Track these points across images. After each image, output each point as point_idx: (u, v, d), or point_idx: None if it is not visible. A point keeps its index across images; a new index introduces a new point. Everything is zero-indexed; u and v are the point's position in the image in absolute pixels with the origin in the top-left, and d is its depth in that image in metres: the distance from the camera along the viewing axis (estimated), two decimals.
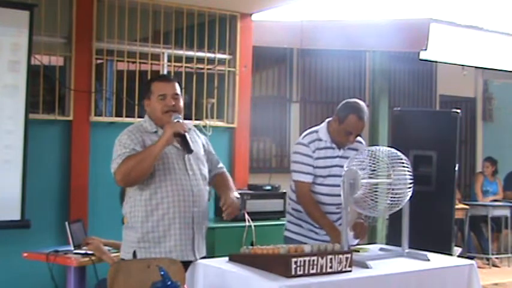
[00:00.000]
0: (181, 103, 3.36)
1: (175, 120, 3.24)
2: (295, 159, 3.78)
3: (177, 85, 3.36)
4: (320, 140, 3.75)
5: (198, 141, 3.46)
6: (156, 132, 3.29)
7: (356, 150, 3.80)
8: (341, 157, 3.74)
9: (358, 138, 3.87)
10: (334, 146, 3.76)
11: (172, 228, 3.21)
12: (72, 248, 4.21)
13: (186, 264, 3.15)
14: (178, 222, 3.22)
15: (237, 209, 3.35)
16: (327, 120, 3.84)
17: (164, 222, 3.21)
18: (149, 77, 5.63)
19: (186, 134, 3.23)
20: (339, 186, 3.65)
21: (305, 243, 3.44)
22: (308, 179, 3.72)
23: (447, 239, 5.73)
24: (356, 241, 3.74)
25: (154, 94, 3.30)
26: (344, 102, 3.78)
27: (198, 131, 3.56)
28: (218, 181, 3.53)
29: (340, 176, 3.66)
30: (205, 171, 3.40)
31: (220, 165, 3.60)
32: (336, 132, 3.74)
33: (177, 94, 3.32)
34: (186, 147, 3.24)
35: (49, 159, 5.18)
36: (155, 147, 3.15)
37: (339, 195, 3.61)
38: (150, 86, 3.35)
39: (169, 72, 5.75)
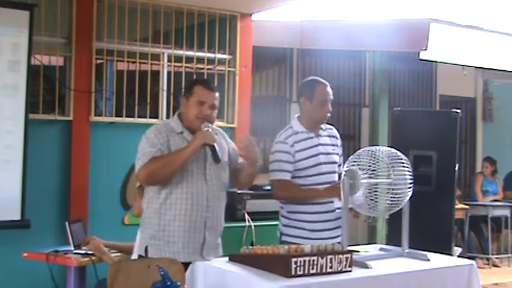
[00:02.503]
0: (216, 113, 3.43)
1: (205, 129, 3.27)
2: (272, 158, 3.79)
3: (217, 95, 3.41)
4: (296, 133, 3.78)
5: (225, 146, 3.48)
6: (181, 133, 3.33)
7: (332, 136, 3.89)
8: (322, 144, 3.80)
9: (328, 125, 3.94)
10: (311, 135, 3.79)
11: (181, 230, 3.26)
12: (72, 248, 4.21)
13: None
14: (188, 225, 3.27)
15: (255, 155, 3.38)
16: (296, 116, 3.89)
17: (175, 223, 3.26)
18: (149, 77, 5.65)
19: (216, 144, 3.28)
20: (329, 173, 3.71)
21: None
22: (285, 176, 3.72)
23: (447, 239, 5.73)
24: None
25: (194, 97, 3.34)
26: (301, 84, 3.95)
27: (227, 136, 3.60)
28: (239, 169, 3.56)
29: (327, 163, 3.74)
30: (226, 177, 3.44)
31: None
32: (311, 114, 3.78)
33: (214, 105, 3.38)
34: (215, 157, 3.29)
35: (49, 159, 5.18)
36: (182, 153, 3.21)
37: (333, 182, 3.64)
38: (193, 87, 3.39)
39: (169, 72, 5.76)
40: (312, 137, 3.78)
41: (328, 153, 3.79)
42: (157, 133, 3.30)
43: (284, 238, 3.81)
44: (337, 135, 3.96)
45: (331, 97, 3.81)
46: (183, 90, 3.45)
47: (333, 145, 3.87)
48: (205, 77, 5.96)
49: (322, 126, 3.87)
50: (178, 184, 3.26)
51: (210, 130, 3.31)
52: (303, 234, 3.74)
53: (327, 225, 3.73)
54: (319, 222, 3.73)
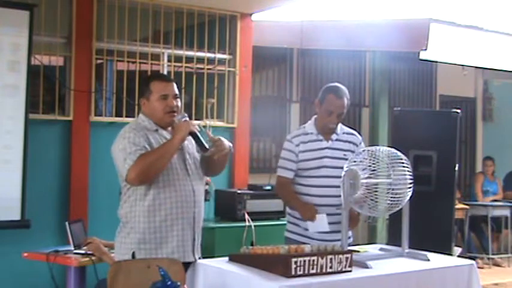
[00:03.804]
0: (180, 103, 3.32)
1: (183, 119, 3.22)
2: (280, 155, 3.86)
3: (175, 85, 3.33)
4: (306, 133, 3.81)
5: (192, 141, 3.40)
6: (156, 130, 3.25)
7: (348, 142, 3.85)
8: (331, 148, 3.79)
9: (351, 130, 3.92)
10: (321, 137, 3.80)
11: (175, 229, 3.19)
12: (72, 248, 4.21)
13: (186, 266, 3.15)
14: (181, 223, 3.20)
15: (227, 147, 3.26)
16: (314, 116, 3.89)
17: (167, 223, 3.18)
18: None
19: (198, 133, 3.23)
20: (332, 177, 3.68)
21: (304, 243, 3.45)
22: (287, 174, 3.77)
23: (447, 239, 5.73)
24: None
25: (155, 94, 3.24)
26: (323, 87, 3.90)
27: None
28: (211, 159, 3.39)
29: (332, 167, 3.72)
30: (201, 171, 3.38)
31: None
32: (319, 117, 3.80)
33: (177, 95, 3.29)
34: (201, 146, 3.24)
35: (49, 159, 5.18)
36: (172, 144, 3.13)
37: (334, 187, 3.64)
38: (149, 84, 3.28)
39: (169, 72, 5.75)
40: (321, 139, 3.79)
41: (336, 158, 3.76)
42: (135, 132, 3.19)
43: (285, 234, 3.90)
44: (358, 141, 3.89)
45: (342, 110, 3.75)
46: (141, 91, 3.33)
47: (347, 151, 3.80)
48: (205, 77, 5.96)
49: (338, 130, 3.85)
50: (165, 183, 3.16)
51: (188, 119, 3.24)
52: (298, 232, 3.79)
53: None
54: None
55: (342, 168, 3.70)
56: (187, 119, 3.26)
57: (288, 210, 3.94)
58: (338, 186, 3.66)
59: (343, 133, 3.88)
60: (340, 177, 3.67)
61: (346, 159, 3.76)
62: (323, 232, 3.67)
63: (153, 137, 3.22)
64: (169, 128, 3.30)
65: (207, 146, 3.25)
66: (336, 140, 3.83)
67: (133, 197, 3.21)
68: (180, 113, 3.28)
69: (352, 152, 3.81)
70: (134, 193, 3.21)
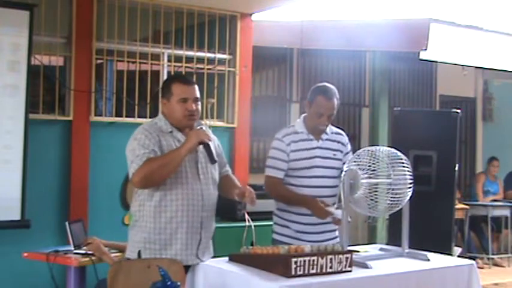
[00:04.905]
0: (199, 106, 3.30)
1: (199, 127, 3.20)
2: (269, 154, 3.80)
3: (197, 88, 3.30)
4: (296, 132, 3.76)
5: (211, 143, 3.40)
6: (171, 132, 3.23)
7: (336, 142, 3.83)
8: (321, 148, 3.75)
9: (338, 130, 3.90)
10: (311, 137, 3.76)
11: (179, 232, 3.17)
12: (72, 248, 4.21)
13: (188, 267, 3.15)
14: (186, 226, 3.18)
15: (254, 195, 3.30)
16: (303, 115, 3.85)
17: (172, 225, 3.16)
18: (149, 77, 5.64)
19: (210, 143, 3.20)
20: (324, 177, 3.69)
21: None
22: (278, 174, 3.70)
23: (447, 239, 5.73)
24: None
25: (175, 96, 3.21)
26: (312, 87, 3.83)
27: (210, 131, 3.45)
28: (224, 182, 3.47)
29: (323, 167, 3.70)
30: (216, 175, 3.36)
31: (227, 168, 3.54)
32: (309, 118, 3.76)
33: (197, 98, 3.26)
34: (210, 157, 3.21)
35: (49, 159, 5.18)
36: (179, 153, 3.10)
37: (326, 187, 3.65)
38: (170, 86, 3.25)
39: (169, 72, 5.75)
40: (312, 139, 3.75)
41: (326, 158, 3.74)
42: (147, 134, 3.17)
43: (273, 236, 3.86)
44: (345, 141, 3.88)
45: (331, 112, 3.69)
46: (162, 91, 3.31)
47: (336, 150, 3.79)
48: (205, 77, 5.96)
49: (328, 130, 3.81)
50: (172, 185, 3.15)
51: (204, 128, 3.23)
52: (288, 233, 3.75)
53: (313, 228, 3.70)
54: (306, 225, 3.70)
55: (332, 168, 3.73)
56: (203, 127, 3.24)
57: (275, 211, 3.85)
58: (330, 186, 3.68)
59: (332, 133, 3.84)
60: (331, 177, 3.69)
61: (336, 159, 3.77)
62: (314, 233, 3.67)
63: (165, 139, 3.20)
64: (187, 130, 3.26)
65: (215, 159, 3.24)
66: (326, 139, 3.79)
67: (142, 196, 3.22)
68: (198, 120, 3.27)
69: (341, 151, 3.81)
70: (143, 192, 3.21)
